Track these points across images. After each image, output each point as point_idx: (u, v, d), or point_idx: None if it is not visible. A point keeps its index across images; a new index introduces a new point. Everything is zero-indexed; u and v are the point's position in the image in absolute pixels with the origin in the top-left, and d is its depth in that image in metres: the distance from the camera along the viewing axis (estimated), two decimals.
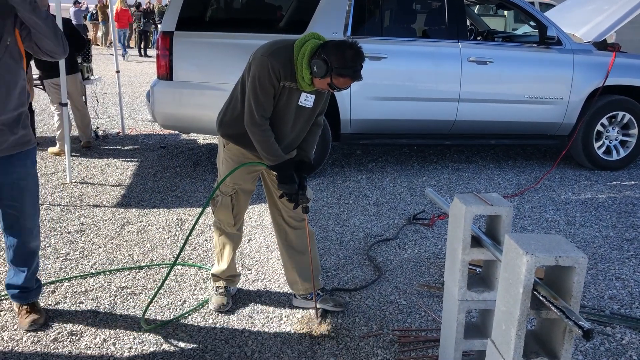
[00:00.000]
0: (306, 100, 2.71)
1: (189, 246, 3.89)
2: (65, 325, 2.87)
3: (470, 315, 3.09)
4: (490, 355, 2.04)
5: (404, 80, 5.47)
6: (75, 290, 3.23)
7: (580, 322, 1.58)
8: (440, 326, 2.92)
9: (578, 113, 5.71)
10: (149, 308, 3.05)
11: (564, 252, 1.78)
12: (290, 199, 2.80)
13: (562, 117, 5.70)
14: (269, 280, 3.42)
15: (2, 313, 2.97)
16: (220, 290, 3.10)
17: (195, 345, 2.72)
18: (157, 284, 3.33)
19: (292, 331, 2.87)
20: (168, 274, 2.91)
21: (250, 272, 3.52)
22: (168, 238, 4.04)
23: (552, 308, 1.74)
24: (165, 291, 3.26)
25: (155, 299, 3.16)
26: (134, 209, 4.56)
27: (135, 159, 6.01)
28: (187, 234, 3.96)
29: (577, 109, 5.69)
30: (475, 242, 2.34)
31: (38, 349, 2.67)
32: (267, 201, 3.04)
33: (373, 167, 5.81)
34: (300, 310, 3.07)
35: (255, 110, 2.62)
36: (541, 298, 1.79)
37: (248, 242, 3.98)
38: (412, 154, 6.33)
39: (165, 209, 4.59)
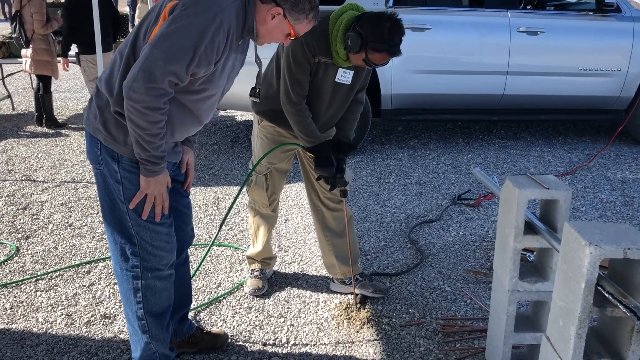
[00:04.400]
0: (343, 76, 2.53)
1: (225, 226, 3.80)
2: (98, 307, 2.82)
3: (519, 304, 2.90)
4: (545, 353, 1.87)
5: (448, 52, 5.20)
6: (110, 271, 3.18)
7: None
8: (488, 316, 2.75)
9: (637, 86, 5.33)
10: None
11: (634, 244, 1.58)
12: (327, 181, 2.65)
13: (620, 90, 5.34)
14: (306, 263, 3.29)
15: (38, 293, 2.94)
16: (256, 273, 2.99)
17: (228, 331, 2.63)
18: (193, 266, 3.25)
19: (330, 317, 2.75)
20: (205, 256, 2.82)
21: (287, 253, 3.40)
22: (205, 217, 3.96)
23: (620, 307, 1.55)
24: (201, 273, 3.18)
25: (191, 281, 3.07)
26: None
27: None
28: (224, 214, 3.86)
29: (636, 81, 5.31)
30: (529, 228, 2.14)
31: (71, 332, 2.63)
32: (304, 181, 2.90)
33: (415, 144, 5.59)
34: (338, 295, 2.94)
35: (290, 89, 2.47)
36: (607, 295, 1.60)
37: (285, 222, 3.86)
38: (457, 130, 6.07)
39: (202, 187, 4.51)
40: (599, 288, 1.63)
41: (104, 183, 1.94)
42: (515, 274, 2.16)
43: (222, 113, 7.06)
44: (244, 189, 3.09)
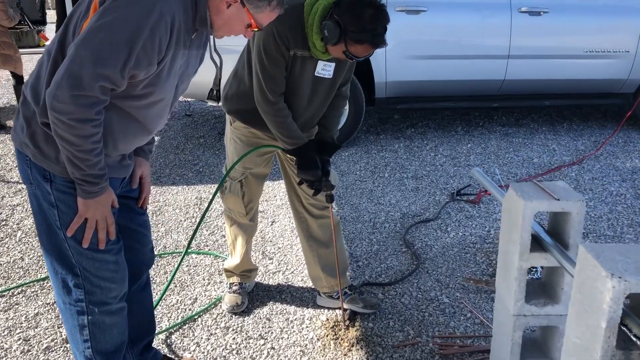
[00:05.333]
0: (324, 70, 2.24)
1: (206, 230, 3.52)
2: (60, 329, 2.56)
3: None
4: None
5: (446, 35, 4.88)
6: None
7: None
8: (490, 332, 2.48)
9: None
10: (156, 308, 2.71)
11: None
12: (312, 186, 2.37)
13: (628, 72, 5.03)
14: (292, 272, 3.02)
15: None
16: (234, 288, 2.72)
17: (201, 357, 2.37)
18: (167, 277, 2.99)
19: (315, 338, 2.48)
20: (176, 269, 2.55)
21: (271, 261, 3.13)
22: (185, 220, 3.68)
23: None
24: (176, 286, 2.91)
25: (164, 296, 2.81)
26: (151, 187, 4.21)
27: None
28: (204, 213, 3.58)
29: None
30: (536, 243, 1.86)
31: None
32: (285, 185, 2.62)
33: (412, 134, 5.30)
34: (325, 311, 2.67)
35: (265, 86, 2.17)
36: (634, 339, 1.33)
37: (271, 224, 3.58)
38: (456, 118, 5.76)
39: (185, 186, 4.23)
40: (624, 327, 1.36)
41: (38, 205, 1.66)
42: (521, 297, 1.88)
43: (210, 103, 6.74)
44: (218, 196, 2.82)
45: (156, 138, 5.35)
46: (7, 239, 3.43)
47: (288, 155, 2.43)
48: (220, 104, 1.86)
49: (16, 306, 2.75)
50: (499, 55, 4.88)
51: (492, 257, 3.13)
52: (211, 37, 1.70)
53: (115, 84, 1.46)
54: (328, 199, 2.41)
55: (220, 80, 1.80)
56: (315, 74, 2.25)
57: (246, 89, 2.30)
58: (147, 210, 2.04)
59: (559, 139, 5.12)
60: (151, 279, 2.97)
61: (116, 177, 1.71)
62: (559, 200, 1.78)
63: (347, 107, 4.62)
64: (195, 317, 2.64)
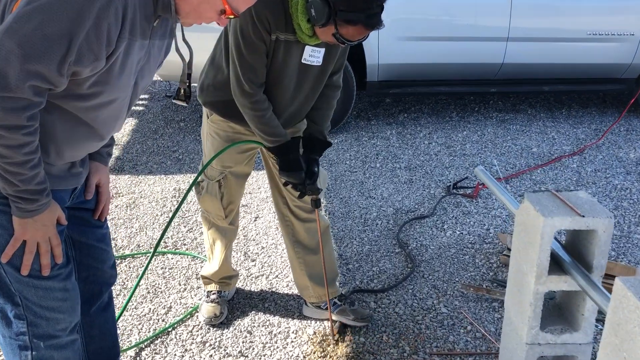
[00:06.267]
0: (312, 56, 1.96)
1: (184, 226, 3.26)
2: None
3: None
4: None
5: (441, 15, 4.60)
6: None
7: None
8: (493, 349, 2.26)
9: None
10: (122, 316, 2.46)
11: None
12: (296, 188, 2.11)
13: (632, 56, 4.77)
14: (276, 276, 2.78)
15: None
16: (212, 297, 2.47)
17: None
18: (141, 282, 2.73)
19: (301, 355, 2.24)
20: (145, 270, 2.25)
21: (253, 264, 2.88)
22: (161, 215, 3.42)
23: None
24: (149, 292, 2.66)
25: (132, 303, 2.56)
26: (126, 176, 3.93)
27: (136, 110, 5.33)
28: (175, 214, 3.32)
29: None
30: (554, 263, 1.63)
31: None
32: (269, 185, 2.35)
33: (404, 120, 5.03)
34: (312, 322, 2.44)
35: (242, 76, 1.90)
36: None
37: (254, 220, 3.33)
38: (450, 102, 5.50)
39: (162, 176, 3.95)
40: None
41: None
42: (536, 324, 1.65)
43: (178, 104, 6.40)
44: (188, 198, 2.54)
45: (133, 121, 5.04)
46: None
47: (270, 153, 2.17)
48: (186, 104, 1.58)
49: None
50: (497, 37, 4.60)
51: (492, 259, 2.91)
52: (178, 24, 1.42)
53: (52, 83, 1.19)
54: (314, 204, 2.16)
55: (189, 75, 1.52)
56: (302, 60, 1.98)
57: (224, 78, 2.02)
58: (109, 219, 1.76)
59: (558, 126, 4.89)
60: (122, 284, 2.71)
61: (64, 188, 1.44)
62: (583, 216, 1.54)
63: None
64: (169, 329, 2.40)
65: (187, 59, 1.49)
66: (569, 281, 1.59)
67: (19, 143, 1.19)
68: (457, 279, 2.74)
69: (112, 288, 1.80)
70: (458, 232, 3.18)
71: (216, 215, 2.34)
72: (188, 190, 2.09)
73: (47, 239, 1.36)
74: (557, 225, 1.53)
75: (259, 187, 3.73)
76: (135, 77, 1.40)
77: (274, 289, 2.67)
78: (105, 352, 1.82)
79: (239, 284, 2.69)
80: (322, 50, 1.99)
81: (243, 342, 2.32)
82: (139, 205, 3.53)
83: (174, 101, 1.58)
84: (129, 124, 4.97)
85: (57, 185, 1.40)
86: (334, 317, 2.36)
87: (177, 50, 1.42)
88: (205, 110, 2.20)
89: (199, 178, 2.27)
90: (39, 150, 1.26)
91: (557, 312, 1.76)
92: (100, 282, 1.71)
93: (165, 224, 3.26)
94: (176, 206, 3.50)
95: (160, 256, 2.96)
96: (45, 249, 1.36)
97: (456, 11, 4.60)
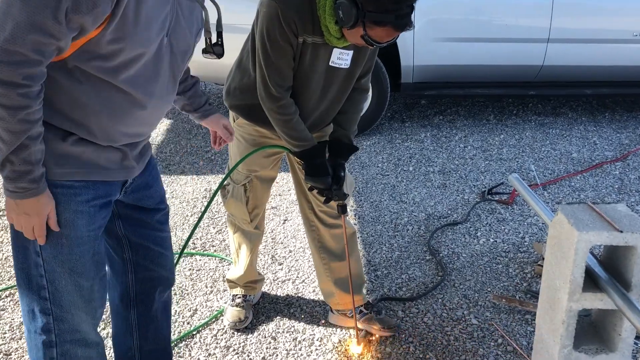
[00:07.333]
0: (340, 59, 1.91)
1: (213, 227, 3.26)
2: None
3: None
4: None
5: (479, 15, 4.48)
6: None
7: None
8: None
9: None
10: None
11: None
12: (321, 194, 2.07)
13: None
14: (303, 281, 2.74)
15: None
16: (238, 301, 2.45)
17: None
18: None
19: None
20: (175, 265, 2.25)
21: (280, 267, 2.85)
22: (191, 216, 3.43)
23: None
24: (176, 294, 2.66)
25: None
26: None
27: (171, 109, 5.38)
28: (201, 215, 3.31)
29: None
30: (589, 279, 1.54)
31: None
32: (295, 189, 2.32)
33: (440, 122, 4.93)
34: (337, 330, 2.39)
35: (268, 79, 1.87)
36: None
37: (283, 223, 3.30)
38: (488, 105, 5.37)
39: (194, 176, 3.96)
40: None
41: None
42: (569, 343, 1.57)
43: (208, 58, 6.42)
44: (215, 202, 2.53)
45: (168, 121, 5.09)
46: (2, 232, 3.22)
47: (296, 157, 2.13)
48: (217, 58, 1.59)
49: (1, 312, 2.53)
50: (537, 39, 4.46)
51: (526, 269, 2.81)
52: None
53: (53, 35, 1.15)
54: (340, 210, 2.11)
55: (220, 34, 1.55)
56: (330, 63, 1.93)
57: (250, 81, 2.00)
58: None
59: (601, 131, 4.71)
60: None
61: (112, 180, 1.43)
62: (622, 231, 1.45)
63: (369, 93, 4.29)
64: (194, 332, 2.39)
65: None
66: (604, 299, 1.51)
67: (13, 104, 1.16)
68: (489, 289, 2.66)
69: (171, 291, 1.81)
70: (492, 240, 3.09)
71: (241, 219, 2.32)
72: (214, 194, 2.07)
73: (31, 230, 1.32)
74: (592, 240, 1.45)
75: (288, 190, 3.70)
76: (165, 35, 1.36)
77: (300, 294, 2.64)
78: (158, 354, 1.82)
79: (265, 288, 2.67)
80: (351, 52, 1.95)
81: (267, 349, 2.29)
82: (169, 205, 3.54)
83: (204, 55, 1.58)
84: (163, 123, 5.02)
85: (105, 177, 1.39)
86: (359, 326, 2.31)
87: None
88: (231, 113, 2.18)
89: (226, 181, 2.25)
90: (40, 130, 1.22)
91: (593, 330, 1.67)
92: (156, 284, 1.71)
93: (193, 225, 3.27)
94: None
95: (188, 257, 2.97)
96: (29, 237, 1.33)
97: (495, 11, 4.48)
